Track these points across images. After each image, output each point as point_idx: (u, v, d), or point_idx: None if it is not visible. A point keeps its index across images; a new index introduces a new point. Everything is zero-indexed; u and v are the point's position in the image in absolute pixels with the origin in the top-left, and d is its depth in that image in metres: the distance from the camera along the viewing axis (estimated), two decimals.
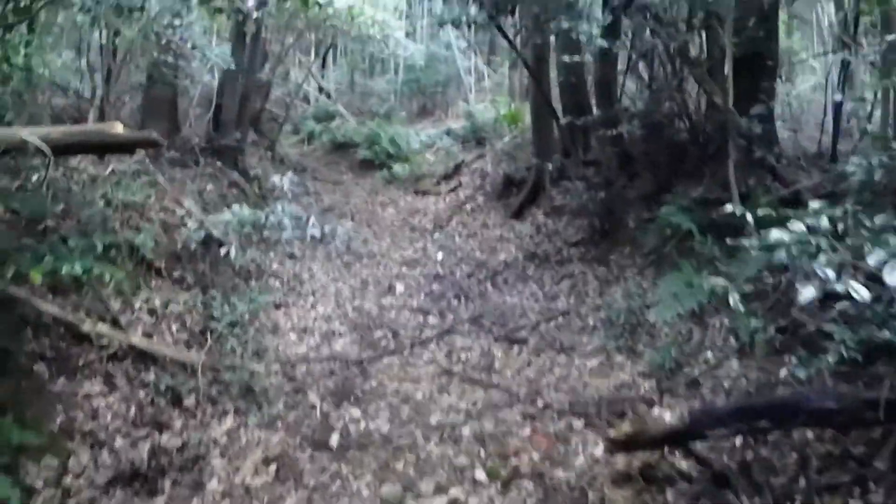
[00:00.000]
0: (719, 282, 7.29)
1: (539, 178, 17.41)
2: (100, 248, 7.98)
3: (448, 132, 27.24)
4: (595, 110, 16.51)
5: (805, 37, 25.44)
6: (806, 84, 22.81)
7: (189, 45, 12.57)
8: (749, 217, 6.53)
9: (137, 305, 9.19)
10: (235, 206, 11.09)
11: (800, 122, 17.91)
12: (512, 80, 29.35)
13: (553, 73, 18.41)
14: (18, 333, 7.11)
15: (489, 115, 26.69)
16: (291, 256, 14.15)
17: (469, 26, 14.80)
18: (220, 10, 9.31)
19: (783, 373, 7.88)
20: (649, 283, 11.93)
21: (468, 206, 19.39)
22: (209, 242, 10.80)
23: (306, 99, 34.83)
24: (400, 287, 14.00)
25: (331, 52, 38.19)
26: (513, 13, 13.70)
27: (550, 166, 16.05)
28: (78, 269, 6.89)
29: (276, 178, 11.48)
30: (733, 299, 6.51)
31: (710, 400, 8.78)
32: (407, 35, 30.27)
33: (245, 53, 17.74)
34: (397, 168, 23.99)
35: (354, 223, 18.89)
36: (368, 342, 11.31)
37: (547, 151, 17.50)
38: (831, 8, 20.29)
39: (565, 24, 12.34)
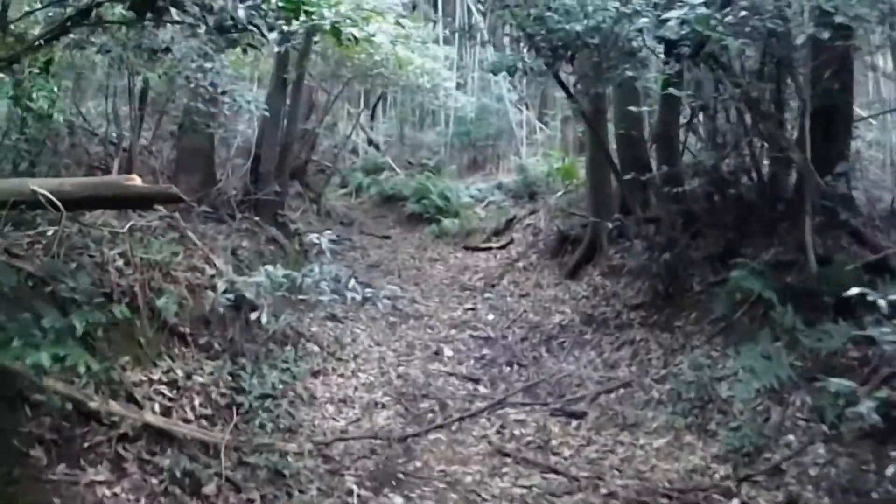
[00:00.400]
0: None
1: (596, 236, 16.47)
2: (80, 329, 6.52)
3: (499, 186, 26.42)
4: (654, 164, 15.58)
5: (860, 91, 24.39)
6: (863, 139, 21.75)
7: (220, 91, 11.69)
8: (883, 303, 5.44)
9: (157, 377, 8.35)
10: (269, 267, 10.25)
11: (860, 180, 16.88)
12: (565, 134, 28.53)
13: (609, 127, 17.56)
14: (14, 411, 6.26)
15: (542, 169, 25.85)
16: (332, 318, 13.31)
17: (524, 74, 13.92)
18: (252, 47, 8.47)
19: (891, 470, 6.76)
20: (719, 353, 10.93)
21: (520, 264, 18.50)
22: (241, 305, 9.95)
23: (355, 151, 34.28)
24: (448, 351, 13.11)
25: (380, 103, 37.71)
26: (572, 61, 12.81)
27: (611, 225, 15.03)
28: (45, 359, 5.81)
29: (314, 237, 10.56)
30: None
31: (797, 492, 7.76)
32: (458, 87, 29.63)
33: (286, 101, 17.11)
34: (447, 223, 23.19)
35: (401, 280, 18.09)
36: (413, 415, 10.41)
37: (604, 208, 16.57)
38: (889, 59, 19.20)
39: (629, 73, 11.49)
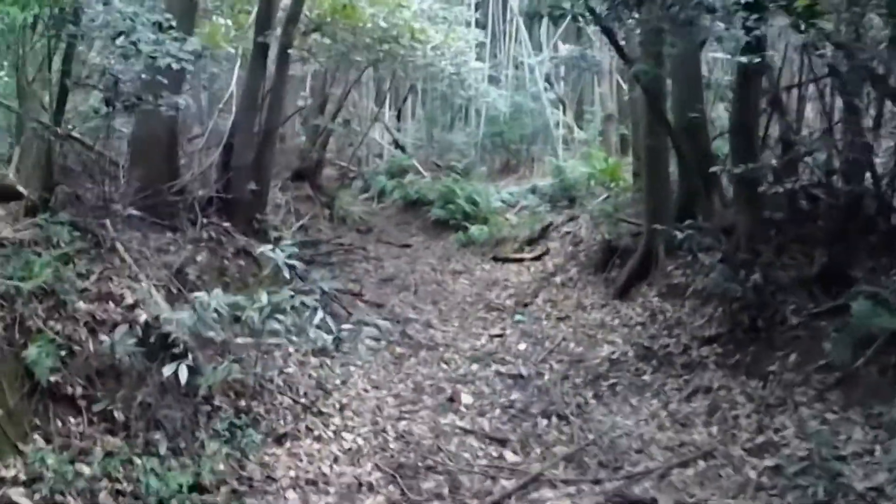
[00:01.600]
0: None
1: (650, 248, 13.26)
2: None
3: (533, 190, 23.21)
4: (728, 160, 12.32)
5: None
6: None
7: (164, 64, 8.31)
8: None
9: (11, 473, 5.23)
10: (201, 294, 7.10)
11: None
12: (606, 134, 25.23)
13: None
14: None
15: (581, 171, 22.60)
16: (321, 352, 10.11)
17: (575, 20, 10.69)
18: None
19: None
20: (838, 415, 7.75)
21: (558, 279, 15.30)
22: (164, 350, 6.79)
23: (380, 155, 31.26)
24: (467, 397, 9.87)
25: (408, 103, 34.65)
26: (639, 6, 9.51)
27: (681, 235, 11.68)
28: None
29: (266, 250, 7.51)
30: None
31: None
32: (490, 80, 26.48)
33: (264, 76, 13.73)
34: (474, 230, 20.05)
35: (416, 298, 15.02)
36: (411, 502, 7.11)
37: (661, 214, 13.31)
38: None
39: (718, 26, 8.22)
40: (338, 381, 9.70)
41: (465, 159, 28.19)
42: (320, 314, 7.17)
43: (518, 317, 13.53)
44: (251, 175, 12.62)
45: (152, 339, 6.74)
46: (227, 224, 11.48)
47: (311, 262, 16.78)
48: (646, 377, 10.18)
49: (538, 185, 23.48)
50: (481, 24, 29.66)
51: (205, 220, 11.15)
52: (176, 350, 6.73)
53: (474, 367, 11.02)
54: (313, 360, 10.00)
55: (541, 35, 31.06)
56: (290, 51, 13.63)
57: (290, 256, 7.95)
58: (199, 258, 9.98)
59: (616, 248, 14.62)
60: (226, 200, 12.12)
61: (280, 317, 7.12)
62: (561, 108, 30.27)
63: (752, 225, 11.25)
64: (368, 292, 14.93)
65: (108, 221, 8.59)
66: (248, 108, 12.72)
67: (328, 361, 10.16)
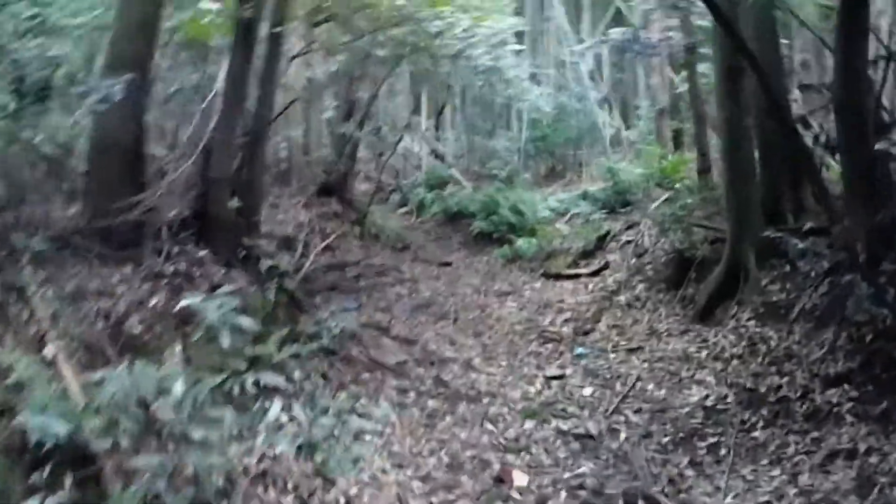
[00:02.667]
0: None
1: (737, 258, 10.52)
2: None
3: (584, 196, 20.53)
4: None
5: None
6: None
7: None
8: None
9: None
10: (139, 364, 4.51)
11: None
12: (660, 130, 22.27)
13: None
14: None
15: (636, 172, 19.88)
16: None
17: None
18: None
19: None
20: None
21: (622, 299, 12.63)
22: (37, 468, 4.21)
23: (418, 166, 28.73)
24: (520, 476, 7.13)
25: (447, 111, 32.08)
26: None
27: (792, 242, 8.89)
28: None
29: (196, 301, 4.92)
30: None
31: None
32: (532, 78, 23.80)
33: (248, 69, 10.44)
34: (521, 243, 17.44)
35: (456, 328, 12.39)
36: None
37: (747, 214, 10.58)
38: None
39: None
40: (345, 461, 7.05)
41: (507, 166, 25.57)
42: (276, 408, 4.51)
43: (579, 350, 10.82)
44: (235, 189, 9.86)
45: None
46: (203, 253, 8.80)
47: (334, 288, 14.30)
48: (757, 433, 7.45)
49: (589, 191, 20.83)
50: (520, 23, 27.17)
51: (174, 249, 8.49)
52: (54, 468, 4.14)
53: (528, 424, 8.30)
54: (312, 433, 7.38)
55: (581, 33, 28.43)
56: (282, 29, 10.86)
57: (234, 310, 5.13)
58: (153, 302, 7.35)
59: (691, 259, 11.90)
60: (203, 222, 9.41)
61: (214, 413, 4.49)
62: (607, 106, 27.51)
63: (870, 226, 8.50)
64: (398, 324, 12.30)
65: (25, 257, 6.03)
66: (229, 104, 9.81)
67: (335, 430, 7.54)
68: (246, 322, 4.42)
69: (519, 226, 18.85)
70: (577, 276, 14.89)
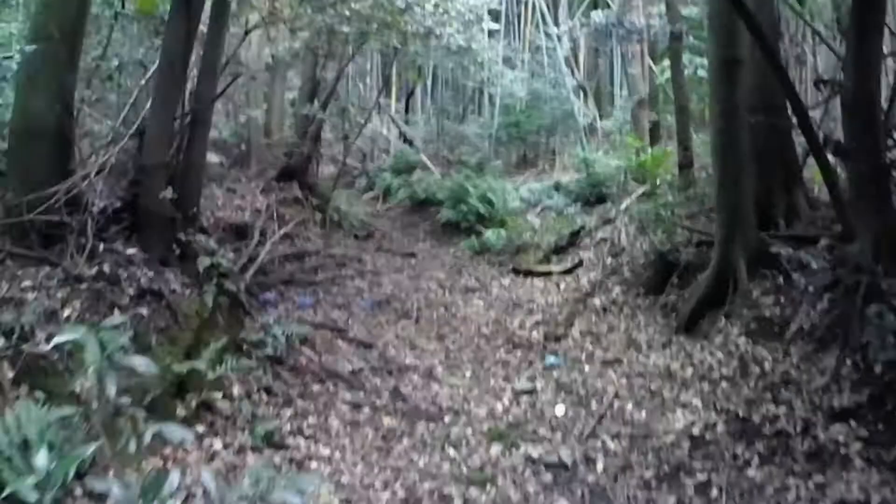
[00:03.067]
0: None
1: (726, 265, 9.51)
2: None
3: (557, 187, 19.57)
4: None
5: None
6: None
7: None
8: None
9: None
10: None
11: None
12: (638, 121, 21.17)
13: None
14: None
15: (612, 164, 18.93)
16: (268, 440, 6.54)
17: None
18: None
19: None
20: None
21: (597, 302, 11.67)
22: None
23: (387, 150, 27.64)
24: None
25: (417, 94, 31.04)
26: None
27: (787, 251, 7.96)
28: None
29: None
30: None
31: None
32: (507, 62, 22.81)
33: (188, 40, 8.93)
34: (490, 235, 16.43)
35: (418, 329, 11.41)
36: None
37: (739, 216, 9.61)
38: None
39: None
40: (288, 493, 6.04)
41: (478, 153, 24.56)
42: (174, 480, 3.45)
43: (550, 359, 9.82)
44: (172, 177, 8.63)
45: None
46: (132, 251, 7.66)
47: (291, 281, 13.26)
48: (752, 472, 6.49)
49: (562, 182, 19.89)
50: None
51: (100, 247, 7.34)
52: None
53: (495, 450, 7.30)
54: (251, 459, 6.35)
55: (559, 16, 27.40)
56: None
57: (122, 348, 4.01)
58: (66, 312, 6.23)
59: (673, 262, 10.93)
60: (135, 215, 8.24)
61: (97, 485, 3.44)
62: (582, 94, 26.52)
63: (881, 235, 7.61)
64: (356, 324, 11.27)
65: None
66: (165, 82, 8.46)
67: (276, 458, 6.53)
68: (140, 363, 3.43)
69: (488, 216, 17.86)
70: (548, 273, 13.92)
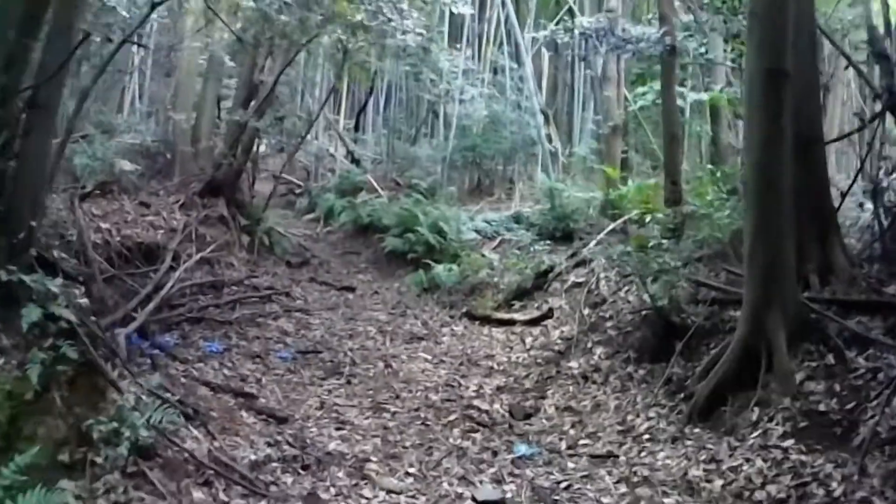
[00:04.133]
0: None
1: (758, 335, 7.02)
2: None
3: (517, 219, 17.12)
4: None
5: None
6: None
7: None
8: None
9: None
10: None
11: None
12: (610, 151, 18.51)
13: None
14: None
15: (582, 196, 16.51)
16: None
17: None
18: None
19: None
20: None
21: (574, 365, 9.21)
22: None
23: (332, 169, 25.01)
24: None
25: (370, 111, 28.50)
26: None
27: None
28: None
29: None
30: None
31: None
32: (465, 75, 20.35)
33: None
34: (440, 270, 13.96)
35: (350, 390, 8.75)
36: None
37: (778, 272, 7.12)
38: None
39: None
40: None
41: (429, 177, 22.01)
42: None
43: (521, 448, 7.22)
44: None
45: None
46: None
47: (201, 319, 10.59)
48: None
49: (523, 213, 17.38)
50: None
51: None
52: None
53: None
54: None
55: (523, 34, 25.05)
56: None
57: None
58: None
59: (677, 324, 8.46)
60: None
61: None
62: (542, 119, 23.99)
63: None
64: (271, 383, 8.61)
65: None
66: None
67: None
68: None
69: (439, 248, 15.31)
70: (510, 321, 11.37)
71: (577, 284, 11.45)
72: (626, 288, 10.28)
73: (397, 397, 8.57)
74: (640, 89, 19.08)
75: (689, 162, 19.68)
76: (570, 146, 24.08)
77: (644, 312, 9.19)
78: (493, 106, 23.09)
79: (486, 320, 11.68)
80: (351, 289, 14.32)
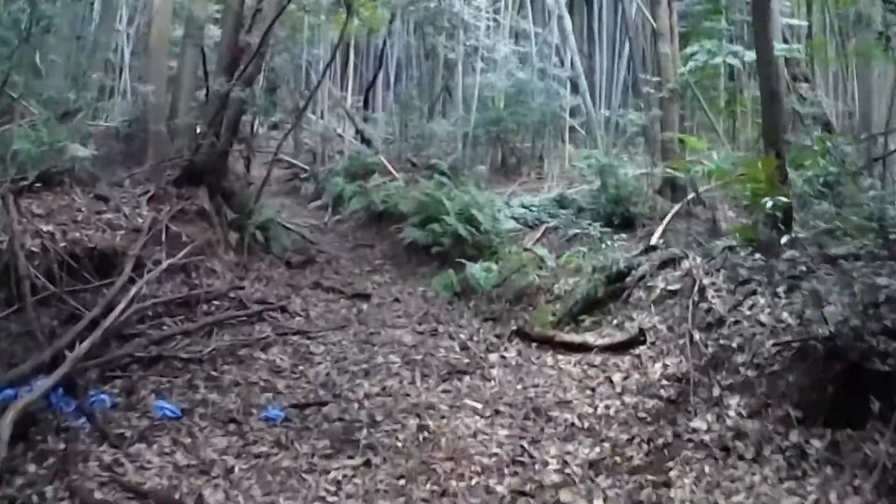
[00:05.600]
0: None
1: None
2: None
3: (560, 202, 13.85)
4: None
5: None
6: None
7: None
8: None
9: None
10: None
11: None
12: (669, 118, 14.97)
13: None
14: None
15: (631, 173, 13.31)
16: None
17: None
18: None
19: None
20: None
21: (702, 426, 5.97)
22: None
23: (342, 151, 21.71)
24: None
25: (379, 87, 25.33)
26: None
27: None
28: None
29: None
30: None
31: None
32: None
33: None
34: (476, 270, 10.88)
35: (370, 476, 5.49)
36: None
37: None
38: None
39: None
40: None
41: (448, 156, 18.78)
42: None
43: None
44: None
45: None
46: None
47: (159, 358, 7.49)
48: None
49: (566, 195, 14.12)
50: None
51: None
52: None
53: None
54: None
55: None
56: None
57: None
58: None
59: (867, 367, 5.27)
60: None
61: None
62: (579, 87, 20.50)
63: None
64: (248, 477, 5.42)
65: None
66: None
67: None
68: None
69: (471, 241, 12.15)
70: (583, 346, 8.08)
71: (671, 293, 8.20)
72: (750, 303, 7.04)
73: (443, 493, 5.37)
74: (690, 49, 15.73)
75: (749, 132, 16.43)
76: (604, 115, 20.67)
77: (797, 344, 5.99)
78: (517, 74, 19.77)
79: (547, 342, 8.46)
80: (365, 296, 11.14)
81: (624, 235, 11.10)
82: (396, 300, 11.10)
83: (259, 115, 14.62)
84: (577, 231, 12.01)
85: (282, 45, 14.90)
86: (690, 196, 12.55)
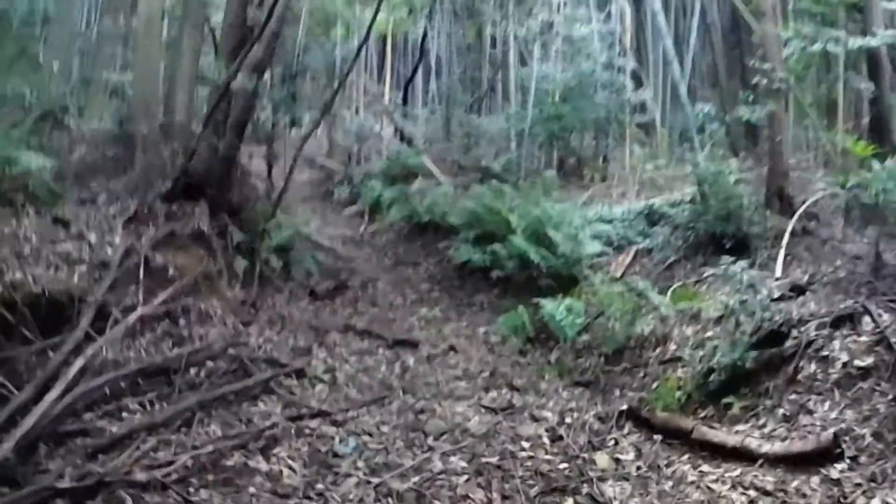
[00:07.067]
0: None
1: None
2: None
3: (649, 216, 11.00)
4: None
5: None
6: None
7: None
8: None
9: None
10: None
11: None
12: (777, 121, 11.79)
13: None
14: None
15: (732, 178, 10.42)
16: None
17: None
18: None
19: None
20: None
21: None
22: None
23: (380, 151, 19.03)
24: None
25: (419, 79, 22.70)
26: None
27: None
28: None
29: None
30: None
31: None
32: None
33: None
34: (558, 310, 7.99)
35: None
36: None
37: None
38: None
39: None
40: None
41: (502, 157, 16.04)
42: None
43: None
44: None
45: None
46: None
47: (98, 486, 4.66)
48: None
49: (656, 207, 11.22)
50: None
51: None
52: None
53: None
54: None
55: None
56: None
57: None
58: None
59: None
60: None
61: None
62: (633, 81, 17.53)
63: None
64: None
65: None
66: None
67: None
68: None
69: (549, 265, 9.38)
70: (740, 452, 5.19)
71: (862, 372, 5.31)
72: None
73: None
74: (784, 33, 12.70)
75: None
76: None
77: None
78: (579, 65, 16.80)
79: (680, 437, 5.60)
80: (411, 344, 8.37)
81: (743, 263, 8.22)
82: (452, 348, 8.32)
83: (280, 111, 11.94)
84: (677, 257, 9.17)
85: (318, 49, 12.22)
86: (801, 210, 9.67)
